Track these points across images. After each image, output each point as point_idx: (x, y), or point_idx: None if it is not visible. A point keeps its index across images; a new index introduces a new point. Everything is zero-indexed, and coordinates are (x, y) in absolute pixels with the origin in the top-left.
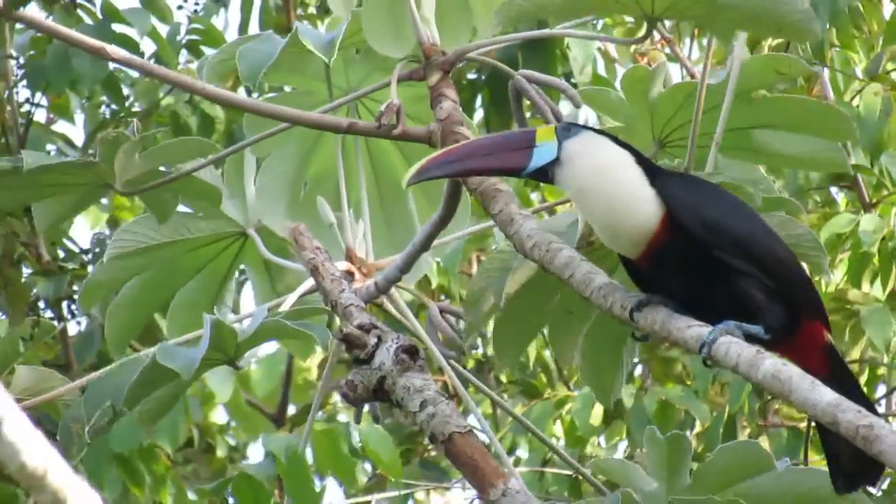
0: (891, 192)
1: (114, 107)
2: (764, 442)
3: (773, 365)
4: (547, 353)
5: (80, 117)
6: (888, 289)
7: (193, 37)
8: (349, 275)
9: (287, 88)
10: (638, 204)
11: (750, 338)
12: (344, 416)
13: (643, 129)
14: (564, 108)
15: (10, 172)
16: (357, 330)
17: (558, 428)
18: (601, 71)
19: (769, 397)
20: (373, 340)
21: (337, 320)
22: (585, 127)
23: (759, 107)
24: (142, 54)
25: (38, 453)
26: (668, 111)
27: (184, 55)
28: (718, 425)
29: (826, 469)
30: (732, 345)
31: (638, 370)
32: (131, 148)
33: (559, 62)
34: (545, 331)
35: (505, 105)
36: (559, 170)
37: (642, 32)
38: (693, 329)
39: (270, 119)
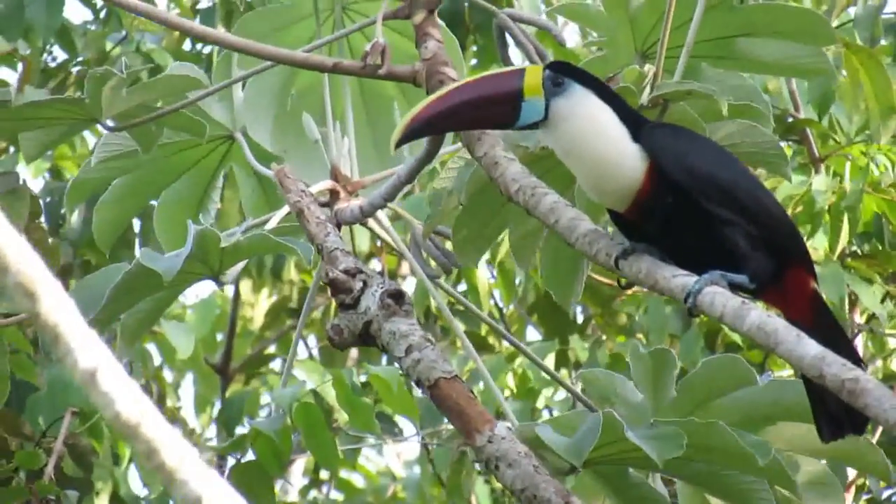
0: (841, 146)
1: (59, 56)
2: None
3: (758, 316)
4: (492, 303)
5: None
6: (839, 247)
7: None
8: (333, 193)
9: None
10: (622, 161)
11: (735, 287)
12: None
13: (625, 41)
14: None
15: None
16: (343, 274)
17: (510, 381)
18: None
19: (721, 351)
20: (358, 285)
21: None
22: (573, 74)
23: (740, 14)
24: (94, 5)
25: (132, 404)
26: (648, 22)
27: None
28: None
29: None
30: (718, 295)
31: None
32: (118, 84)
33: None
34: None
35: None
36: (545, 128)
37: None
38: (678, 279)
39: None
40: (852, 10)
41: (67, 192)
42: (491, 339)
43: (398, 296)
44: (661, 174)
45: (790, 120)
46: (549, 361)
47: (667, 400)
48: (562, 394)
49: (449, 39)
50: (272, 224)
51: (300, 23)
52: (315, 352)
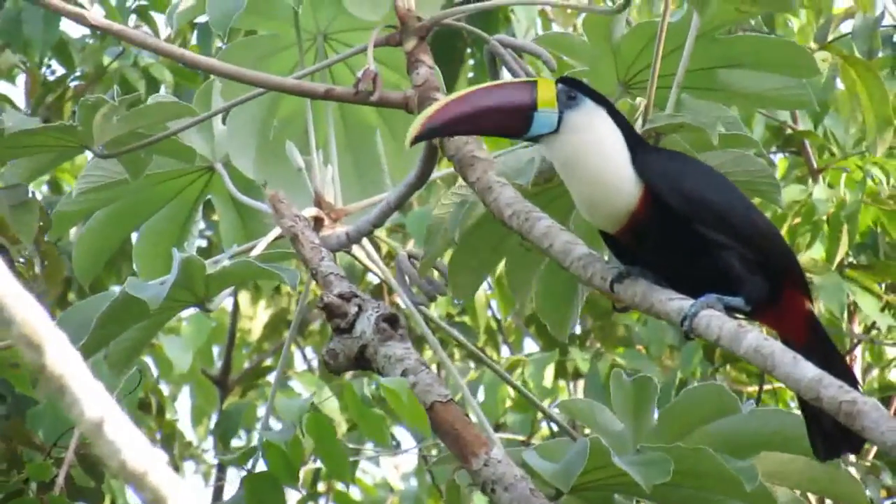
0: (838, 158)
1: (59, 70)
2: None
3: (755, 339)
4: (489, 314)
5: (20, 77)
6: (838, 257)
7: (143, 2)
8: (318, 220)
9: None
10: (619, 184)
11: (731, 309)
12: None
13: (607, 71)
14: None
15: None
16: (337, 299)
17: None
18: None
19: (720, 363)
20: (353, 309)
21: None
22: (583, 90)
23: (723, 46)
24: None
25: (138, 452)
26: (631, 53)
27: (132, 20)
28: (670, 389)
29: (790, 411)
30: (714, 318)
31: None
32: (109, 112)
33: (502, 25)
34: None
35: (449, 64)
36: (550, 142)
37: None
38: (674, 302)
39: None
40: (850, 23)
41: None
42: (488, 351)
43: (393, 320)
44: (655, 198)
45: (788, 132)
46: (549, 373)
47: (648, 428)
48: None
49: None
50: (258, 250)
51: (283, 52)
52: (313, 363)
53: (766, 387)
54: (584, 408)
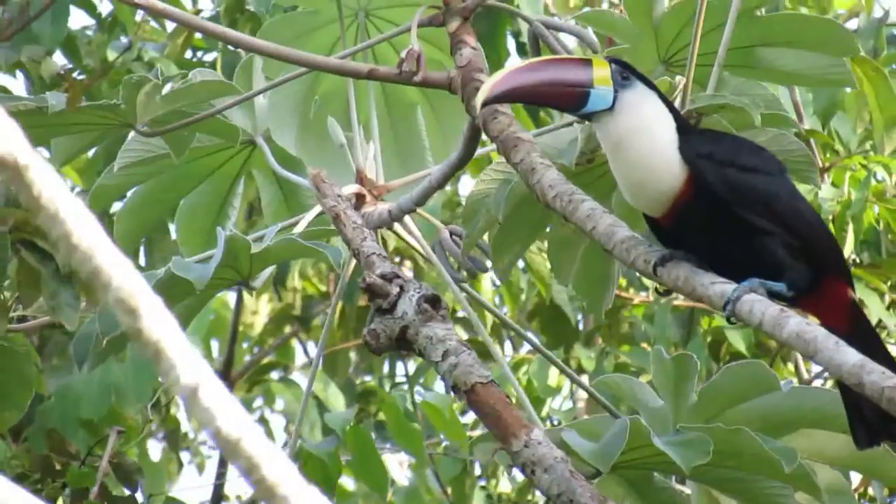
0: (842, 157)
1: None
2: None
3: (797, 324)
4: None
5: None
6: (845, 256)
7: None
8: (360, 197)
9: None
10: (665, 166)
11: (773, 295)
12: (300, 374)
13: (648, 49)
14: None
15: (36, 112)
16: (380, 279)
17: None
18: None
19: (726, 360)
20: (395, 290)
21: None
22: (637, 74)
23: (762, 24)
24: (99, 14)
25: (233, 419)
26: (672, 30)
27: (140, 14)
28: None
29: (830, 389)
30: (756, 303)
31: None
32: (152, 90)
33: (508, 21)
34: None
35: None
36: (604, 118)
37: None
38: (717, 286)
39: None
40: (854, 21)
41: (90, 198)
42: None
43: (435, 301)
44: (700, 183)
45: (794, 131)
46: (554, 370)
47: (688, 406)
48: (567, 403)
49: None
50: (300, 227)
51: (323, 28)
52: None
53: None
54: (623, 384)
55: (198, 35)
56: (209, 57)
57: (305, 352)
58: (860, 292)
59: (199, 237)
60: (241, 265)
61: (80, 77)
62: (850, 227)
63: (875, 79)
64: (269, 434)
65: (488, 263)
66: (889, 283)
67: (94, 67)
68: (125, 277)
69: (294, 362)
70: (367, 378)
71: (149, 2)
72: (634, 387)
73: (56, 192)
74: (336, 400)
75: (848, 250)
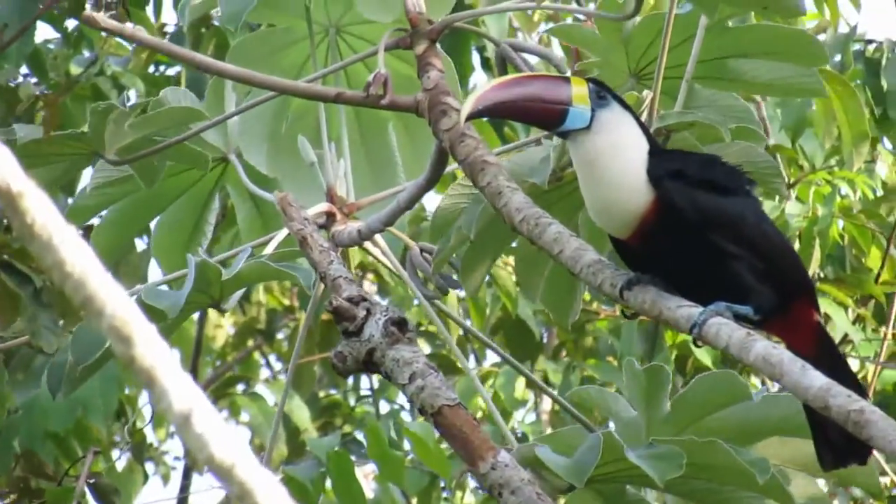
0: (807, 172)
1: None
2: None
3: (764, 348)
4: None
5: None
6: (811, 271)
7: None
8: (330, 215)
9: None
10: (634, 188)
11: (740, 318)
12: (263, 387)
13: (618, 62)
14: None
15: (4, 144)
16: (346, 302)
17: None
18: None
19: (691, 374)
20: (362, 313)
21: None
22: (612, 94)
23: (733, 35)
24: (65, 28)
25: (226, 446)
26: (642, 43)
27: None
28: None
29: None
30: (723, 326)
31: None
32: (120, 118)
33: (472, 37)
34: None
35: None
36: (580, 136)
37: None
38: (683, 309)
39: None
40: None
41: (66, 218)
42: (459, 363)
43: (402, 323)
44: (666, 205)
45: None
46: (520, 383)
47: (661, 416)
48: (532, 416)
49: (449, 68)
50: (271, 248)
51: (295, 45)
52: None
53: None
54: (597, 396)
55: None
56: (173, 71)
57: (268, 365)
58: (826, 307)
59: (175, 254)
60: (213, 289)
61: (45, 93)
62: (817, 243)
63: (844, 94)
64: None
65: (455, 277)
66: (854, 299)
67: (59, 82)
68: (119, 305)
69: (258, 376)
70: (333, 392)
71: (118, 27)
72: (608, 398)
73: (49, 219)
74: (301, 412)
75: (815, 266)
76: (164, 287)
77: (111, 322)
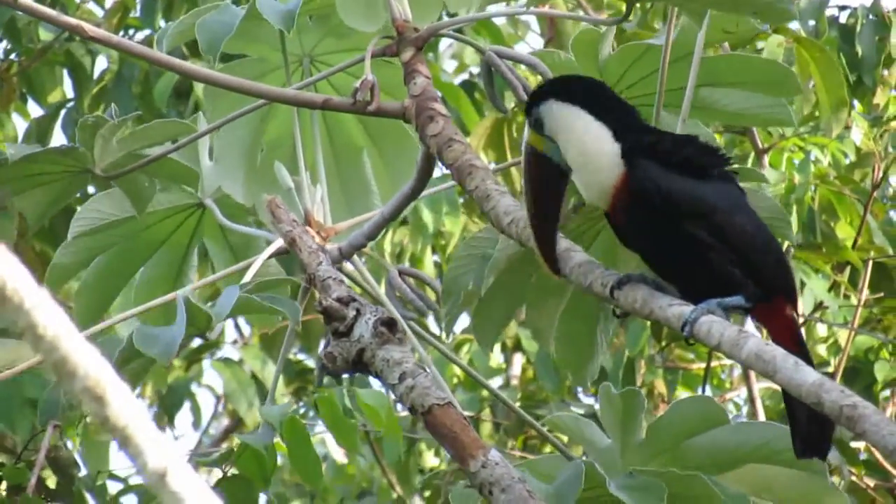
0: (779, 139)
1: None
2: (661, 385)
3: (756, 345)
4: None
5: None
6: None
7: None
8: None
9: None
10: (599, 158)
11: (733, 308)
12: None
13: None
14: None
15: None
16: (336, 303)
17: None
18: None
19: (667, 341)
20: (351, 313)
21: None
22: (544, 95)
23: (706, 65)
24: None
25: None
26: (616, 72)
27: None
28: (618, 368)
29: (776, 424)
30: (714, 324)
31: None
32: (109, 132)
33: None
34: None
35: None
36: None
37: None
38: (674, 308)
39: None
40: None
41: (47, 278)
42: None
43: (391, 324)
44: (634, 177)
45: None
46: (495, 351)
47: (635, 442)
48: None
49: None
50: (249, 276)
51: (269, 75)
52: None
53: (713, 364)
54: (571, 424)
55: (134, 14)
56: (142, 35)
57: (239, 331)
58: (801, 275)
59: (157, 308)
60: (200, 323)
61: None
62: (795, 210)
63: (821, 60)
64: (198, 410)
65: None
66: (830, 266)
67: (32, 49)
68: (92, 367)
69: (224, 340)
70: (305, 358)
71: (102, 34)
72: (583, 426)
73: (20, 282)
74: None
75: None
76: (154, 330)
77: (84, 384)
